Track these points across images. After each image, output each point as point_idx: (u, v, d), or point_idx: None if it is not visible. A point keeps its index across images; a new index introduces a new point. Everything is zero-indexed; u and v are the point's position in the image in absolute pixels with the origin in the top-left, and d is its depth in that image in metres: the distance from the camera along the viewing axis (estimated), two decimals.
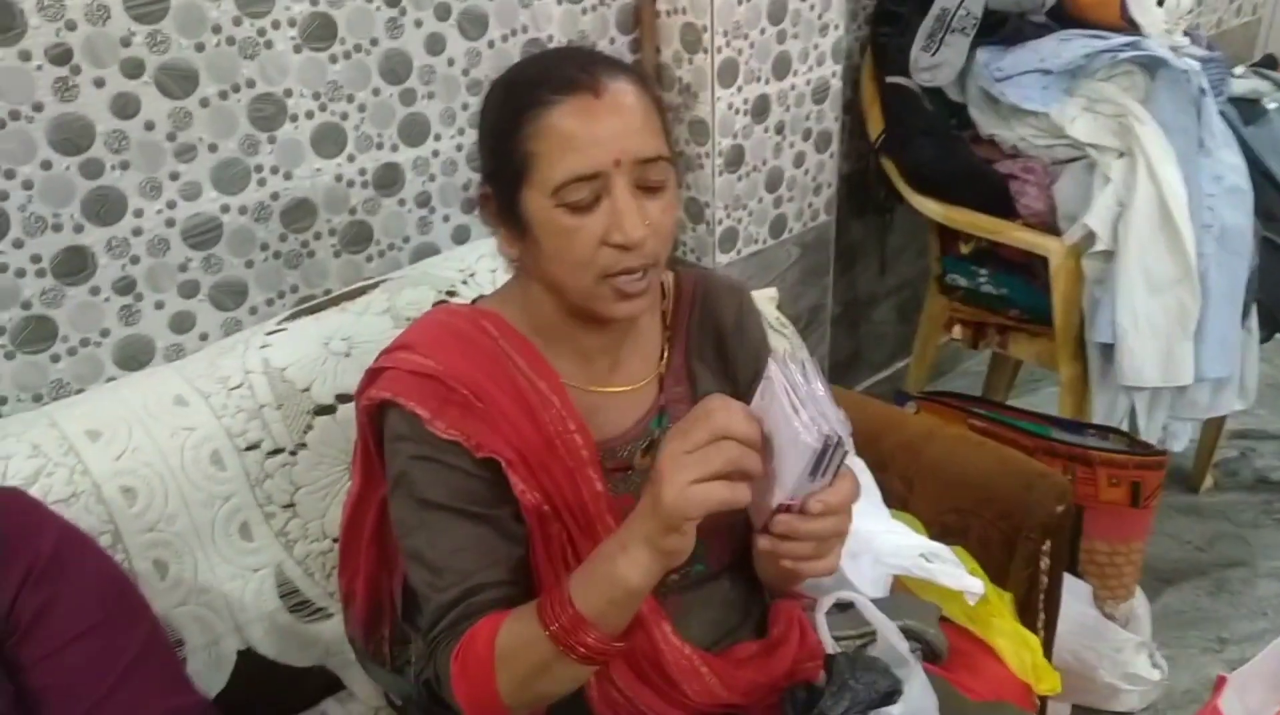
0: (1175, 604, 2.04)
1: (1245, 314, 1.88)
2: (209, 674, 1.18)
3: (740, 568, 1.08)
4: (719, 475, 0.77)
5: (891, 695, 0.95)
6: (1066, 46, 1.78)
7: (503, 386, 0.96)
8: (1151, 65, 1.76)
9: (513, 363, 0.97)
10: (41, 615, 0.86)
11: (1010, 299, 1.98)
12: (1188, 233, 1.68)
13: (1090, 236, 1.74)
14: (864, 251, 2.40)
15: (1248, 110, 1.96)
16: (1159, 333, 1.70)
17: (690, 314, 1.08)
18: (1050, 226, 1.82)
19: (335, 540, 1.21)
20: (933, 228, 2.05)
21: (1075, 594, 1.69)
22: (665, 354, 1.06)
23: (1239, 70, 2.06)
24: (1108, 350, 1.76)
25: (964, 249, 2.01)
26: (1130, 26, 1.82)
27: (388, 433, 0.97)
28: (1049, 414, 1.81)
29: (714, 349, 1.08)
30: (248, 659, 1.21)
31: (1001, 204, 1.86)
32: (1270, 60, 2.17)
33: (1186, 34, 1.90)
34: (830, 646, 1.04)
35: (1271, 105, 1.99)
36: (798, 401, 0.75)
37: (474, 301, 1.08)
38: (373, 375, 0.99)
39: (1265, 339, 2.03)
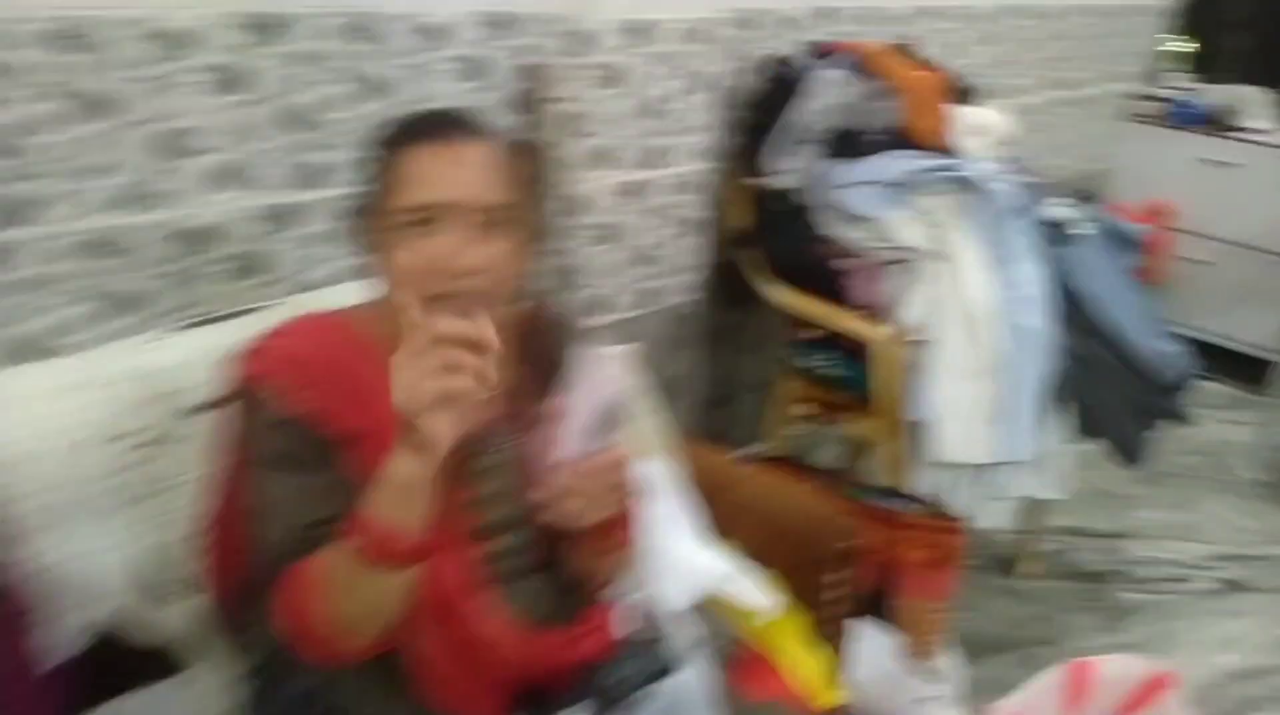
0: (987, 674, 2.20)
1: (1050, 413, 2.12)
2: (59, 646, 1.26)
3: (557, 568, 1.22)
4: (439, 373, 0.91)
5: (661, 674, 1.10)
6: (897, 163, 2.05)
7: (347, 380, 1.11)
8: (965, 184, 2.04)
9: (372, 365, 1.12)
10: None
11: (846, 381, 2.20)
12: (990, 330, 1.92)
13: (908, 327, 1.97)
14: (731, 337, 2.61)
15: (1056, 233, 2.24)
16: (961, 416, 1.93)
17: (529, 344, 1.22)
18: (877, 317, 2.05)
19: (187, 534, 1.32)
20: (786, 315, 2.27)
21: (884, 647, 1.86)
22: (504, 379, 1.21)
23: (1055, 200, 2.36)
24: (923, 428, 1.97)
25: (809, 335, 2.23)
26: (952, 151, 2.09)
27: (249, 404, 1.11)
28: (871, 483, 2.01)
29: (542, 374, 1.21)
30: (97, 636, 1.29)
31: (838, 295, 2.10)
32: (1086, 195, 2.48)
33: (1005, 163, 2.19)
34: (621, 634, 1.18)
35: (1079, 231, 2.29)
36: (593, 374, 0.93)
37: (333, 311, 1.24)
38: (247, 356, 1.13)
39: (1078, 440, 2.27)
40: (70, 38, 1.38)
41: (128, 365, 1.36)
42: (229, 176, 1.59)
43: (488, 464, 1.15)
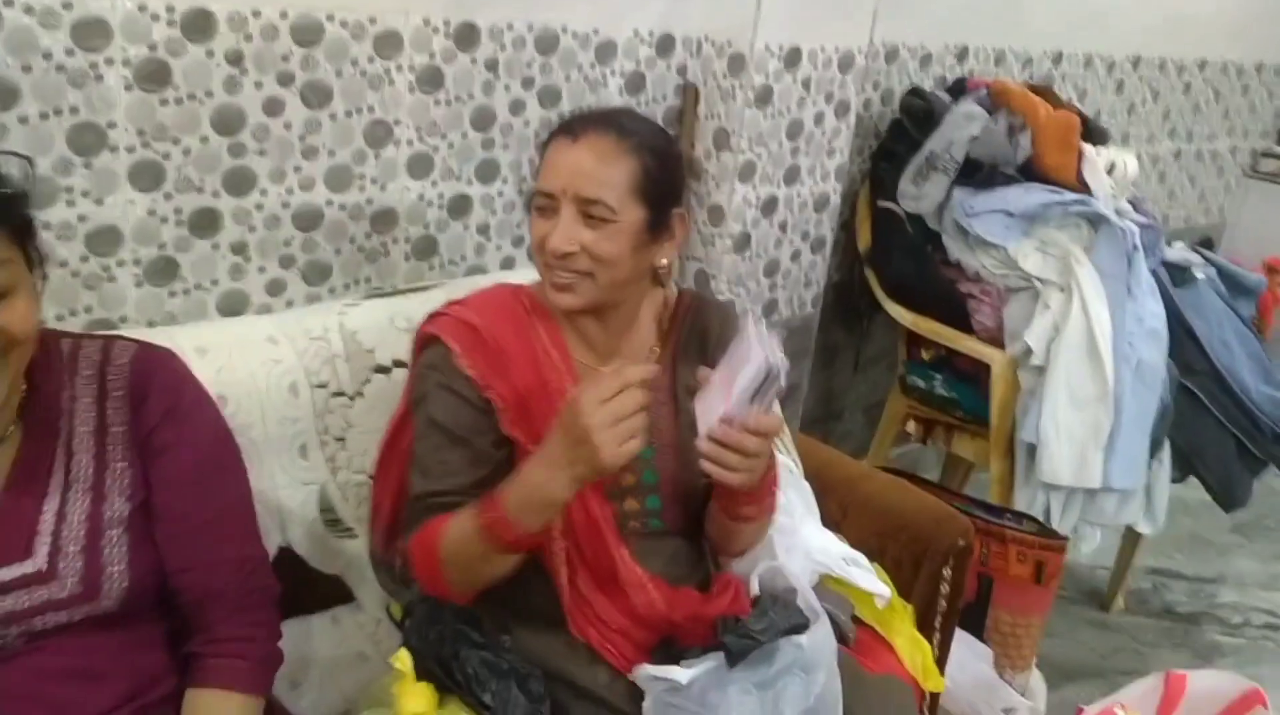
0: (1071, 697, 2.27)
1: (1157, 446, 2.19)
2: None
3: (692, 533, 1.36)
4: (634, 436, 1.06)
5: (800, 628, 1.22)
6: (1028, 196, 2.15)
7: (524, 347, 1.27)
8: (1095, 220, 2.12)
9: (535, 332, 1.29)
10: (170, 447, 1.12)
11: (958, 402, 2.29)
12: (1108, 360, 2.00)
13: (1027, 352, 2.06)
14: (841, 355, 2.72)
15: (1178, 274, 2.31)
16: (1075, 440, 2.01)
17: (682, 323, 1.38)
18: (997, 341, 2.15)
19: (371, 475, 1.48)
20: (902, 333, 2.38)
21: (978, 655, 1.95)
22: (655, 349, 1.36)
23: (1177, 244, 2.42)
24: (1032, 451, 2.06)
25: (925, 355, 2.33)
26: (1083, 187, 2.18)
27: (424, 361, 1.28)
28: (979, 499, 2.10)
29: (698, 353, 1.36)
30: (284, 556, 1.46)
31: (960, 318, 2.20)
32: (1207, 242, 2.54)
33: (1131, 202, 2.27)
34: (758, 593, 1.30)
35: (1199, 274, 2.35)
36: (759, 342, 1.06)
37: (521, 284, 1.39)
38: (432, 317, 1.30)
39: (1178, 478, 2.33)
40: (303, 32, 1.57)
41: (331, 322, 1.54)
42: (420, 166, 1.77)
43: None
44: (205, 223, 1.58)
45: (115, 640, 1.08)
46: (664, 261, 1.28)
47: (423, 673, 1.23)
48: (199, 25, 1.48)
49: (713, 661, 1.18)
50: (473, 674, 1.18)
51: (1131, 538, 2.50)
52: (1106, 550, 2.45)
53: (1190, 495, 2.37)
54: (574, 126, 1.23)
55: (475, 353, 1.25)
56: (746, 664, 1.18)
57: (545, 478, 1.11)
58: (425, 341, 1.30)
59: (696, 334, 1.38)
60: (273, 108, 1.58)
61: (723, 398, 1.08)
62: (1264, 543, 3.02)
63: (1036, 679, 2.10)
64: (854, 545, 1.61)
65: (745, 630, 1.18)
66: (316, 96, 1.62)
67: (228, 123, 1.55)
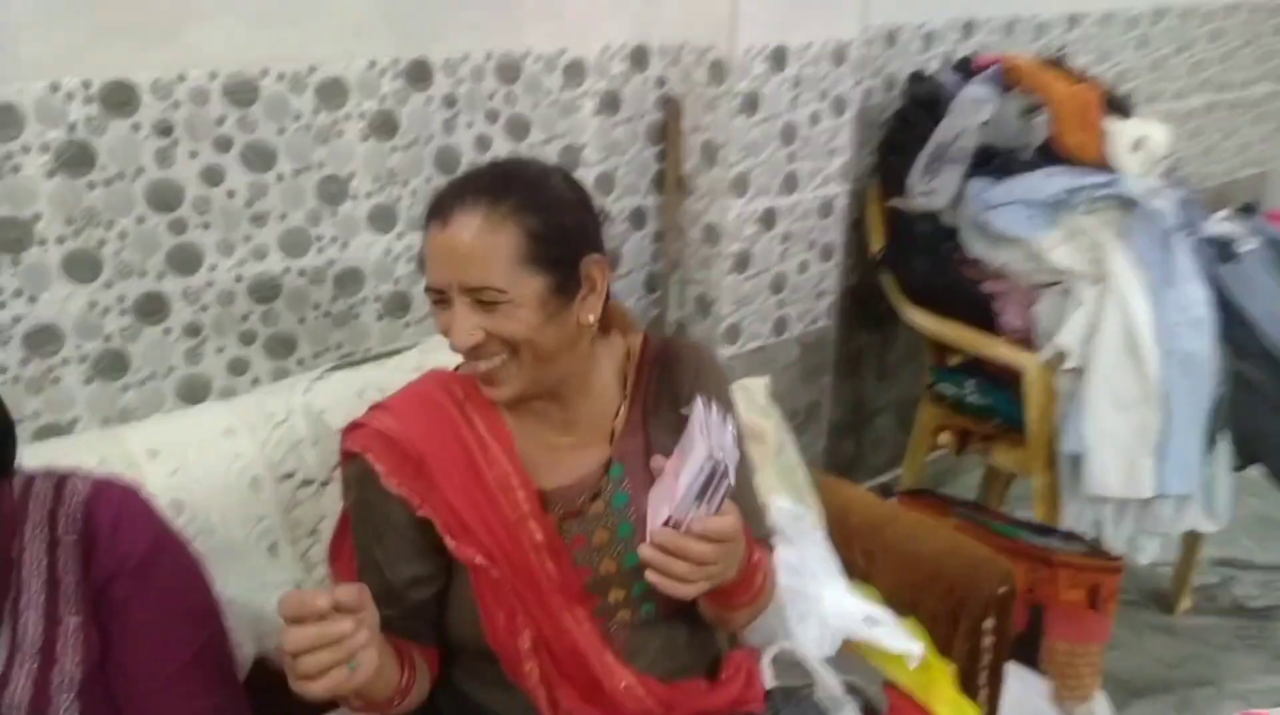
0: None
1: (1214, 439, 2.01)
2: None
3: (694, 614, 1.20)
4: (318, 675, 0.88)
5: None
6: (1050, 182, 1.97)
7: (453, 451, 1.13)
8: (1126, 203, 1.94)
9: (470, 426, 1.15)
10: (129, 599, 1.00)
11: (993, 409, 2.12)
12: (1151, 356, 1.83)
13: (1062, 355, 1.89)
14: (866, 360, 2.56)
15: (1223, 250, 2.12)
16: (1122, 447, 1.84)
17: (650, 375, 1.22)
18: (1029, 343, 1.98)
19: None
20: (927, 340, 2.21)
21: (1034, 690, 1.79)
22: (621, 410, 1.20)
23: (1219, 214, 2.23)
24: (1077, 461, 1.89)
25: (952, 361, 2.17)
26: (1110, 168, 2.00)
27: (348, 475, 1.17)
28: (1023, 519, 1.94)
29: (670, 406, 1.20)
30: (261, 667, 1.35)
31: (986, 320, 2.03)
32: (1249, 207, 2.34)
33: (1164, 177, 2.08)
34: (771, 685, 1.16)
35: (1246, 247, 2.16)
36: (707, 431, 0.91)
37: (459, 367, 1.23)
38: (353, 427, 1.17)
39: (1239, 467, 2.15)
40: (237, 92, 1.45)
41: (295, 403, 1.42)
42: (382, 219, 1.64)
43: (600, 511, 1.15)
44: (152, 308, 1.47)
45: None
46: (590, 318, 1.12)
47: None
48: (120, 98, 1.36)
49: None
50: None
51: (1195, 534, 2.32)
52: (1167, 545, 2.26)
53: (1253, 474, 2.18)
54: (442, 207, 1.08)
55: (403, 469, 1.12)
56: None
57: None
58: (347, 455, 1.17)
59: (668, 387, 1.21)
60: (212, 176, 1.46)
61: (669, 496, 0.95)
62: None
63: (1101, 705, 1.94)
64: (885, 598, 1.47)
65: None
66: (259, 159, 1.49)
67: (164, 198, 1.43)
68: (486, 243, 1.05)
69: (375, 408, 1.18)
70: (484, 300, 1.06)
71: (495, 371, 1.09)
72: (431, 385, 1.20)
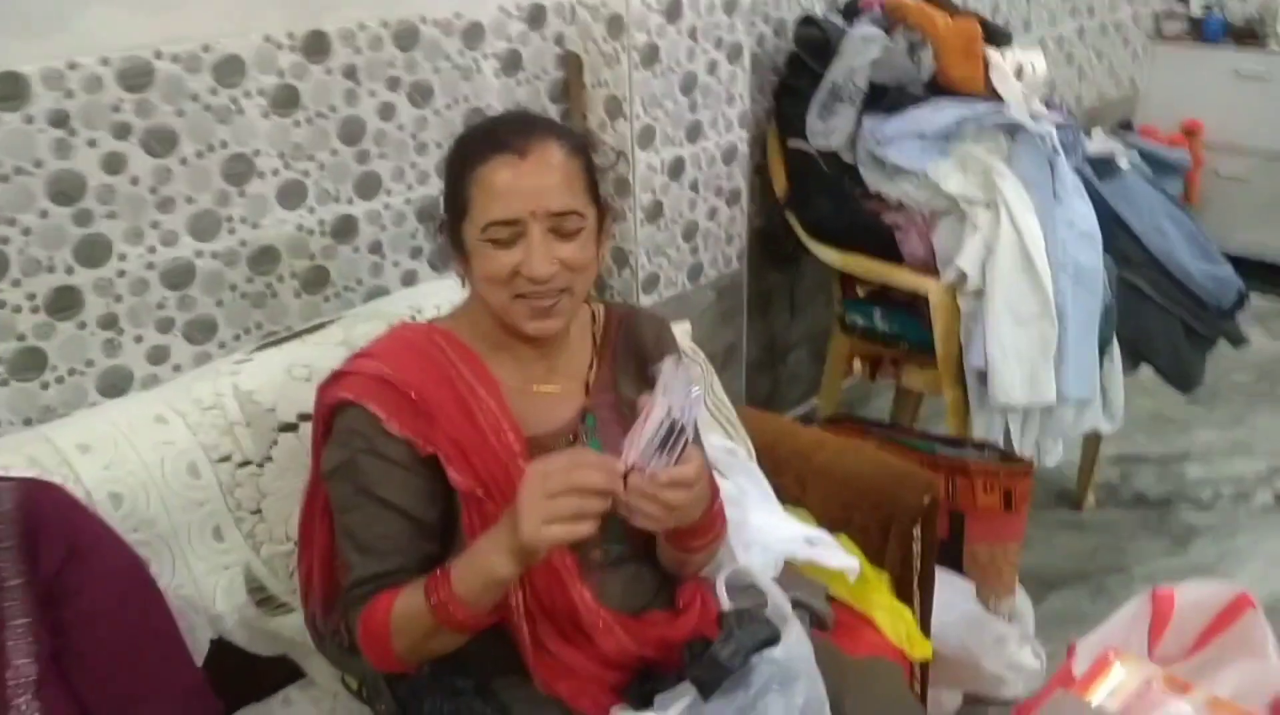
0: (1058, 606, 2.26)
1: (1106, 344, 2.14)
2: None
3: (652, 555, 1.27)
4: (565, 520, 0.98)
5: (772, 641, 1.14)
6: (940, 114, 2.05)
7: (446, 392, 1.16)
8: (1012, 129, 2.04)
9: (457, 372, 1.18)
10: (79, 587, 1.01)
11: (901, 335, 2.22)
12: (1045, 272, 1.94)
13: (963, 277, 1.99)
14: (777, 299, 2.64)
15: (1103, 168, 2.24)
16: (1024, 359, 1.95)
17: (617, 337, 1.29)
18: (931, 268, 2.07)
19: (297, 542, 1.38)
20: (834, 274, 2.29)
21: (961, 592, 1.91)
22: (594, 366, 1.27)
23: (1097, 133, 2.35)
24: (983, 375, 2.00)
25: (860, 292, 2.25)
26: (994, 96, 2.09)
27: (341, 426, 1.16)
28: (936, 433, 2.04)
29: (636, 364, 1.28)
30: (220, 647, 1.36)
31: (889, 250, 2.11)
32: (1126, 124, 2.48)
33: (1044, 102, 2.18)
34: (726, 606, 1.22)
35: (1124, 164, 2.29)
36: (664, 391, 0.98)
37: (430, 321, 1.28)
38: (338, 377, 1.18)
39: (1130, 370, 2.30)
40: (131, 76, 1.41)
41: (223, 386, 1.41)
42: (292, 194, 1.63)
43: None
44: (64, 303, 1.44)
45: None
46: (605, 258, 1.22)
47: None
48: (9, 91, 1.32)
49: (688, 697, 1.11)
50: None
51: (1094, 433, 2.47)
52: (1070, 446, 2.41)
53: (1144, 374, 2.33)
54: (513, 143, 1.12)
55: (402, 411, 1.13)
56: (722, 693, 1.11)
57: (490, 549, 1.04)
58: (338, 406, 1.17)
59: (633, 348, 1.29)
60: (113, 164, 1.43)
61: (635, 443, 1.00)
62: (1222, 410, 3.02)
63: (1021, 599, 2.08)
64: (818, 519, 1.55)
65: (713, 659, 1.10)
66: (160, 143, 1.47)
67: (66, 191, 1.40)
68: (569, 169, 1.12)
69: (358, 357, 1.19)
70: (564, 229, 1.12)
71: (554, 305, 1.14)
72: (411, 333, 1.22)
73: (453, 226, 1.17)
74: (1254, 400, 3.09)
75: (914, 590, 1.51)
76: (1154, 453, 2.84)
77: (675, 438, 0.99)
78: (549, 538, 0.98)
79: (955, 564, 1.94)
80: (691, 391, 0.99)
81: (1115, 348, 2.19)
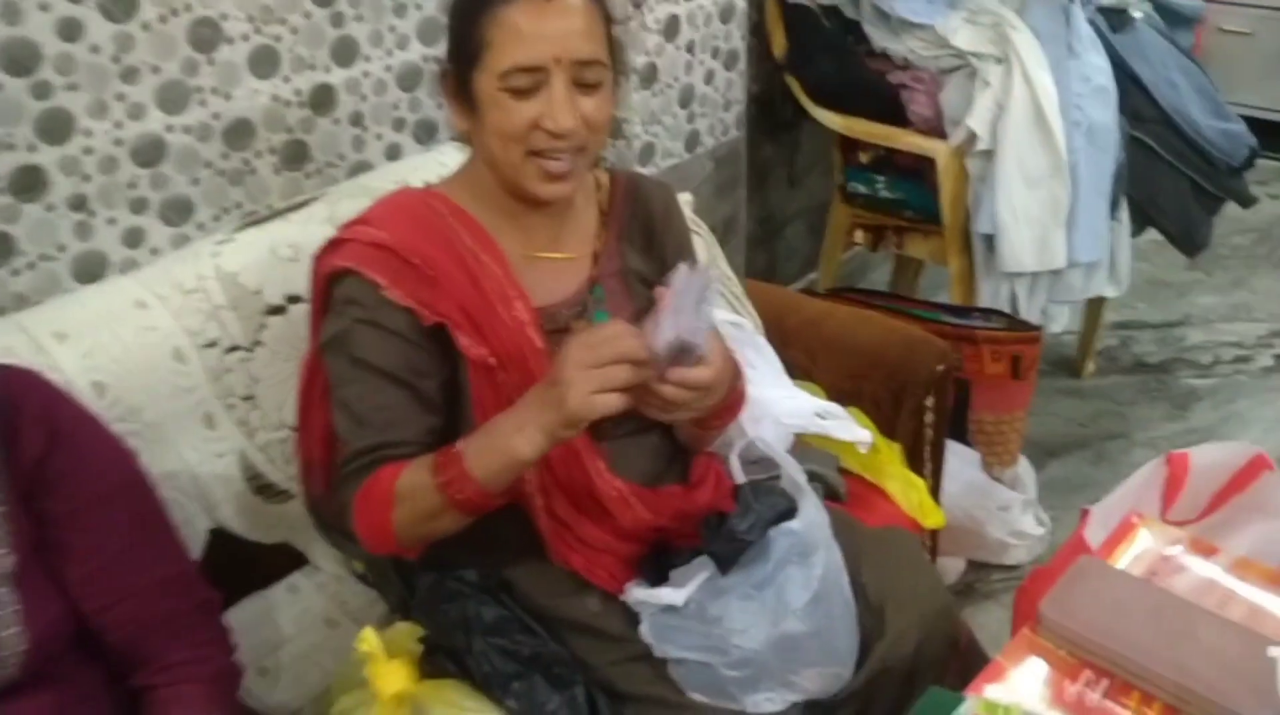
0: (1060, 473, 2.26)
1: (1115, 206, 2.08)
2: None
3: (668, 426, 1.23)
4: (616, 388, 0.93)
5: (789, 513, 1.12)
6: None
7: (450, 258, 1.09)
8: None
9: (458, 237, 1.11)
10: (65, 474, 0.96)
11: (905, 202, 2.15)
12: (1059, 130, 1.86)
13: (972, 138, 1.91)
14: (775, 169, 2.55)
15: (1115, 19, 2.14)
16: (1034, 223, 1.89)
17: (623, 205, 1.22)
18: (938, 131, 1.98)
19: (293, 428, 1.33)
20: (835, 140, 2.20)
21: (965, 460, 1.90)
22: (601, 235, 1.20)
23: None
24: (990, 241, 1.94)
25: (863, 158, 2.17)
26: None
27: (338, 296, 1.10)
28: (941, 302, 2.00)
29: (643, 235, 1.22)
30: (220, 537, 1.32)
31: (894, 113, 2.02)
32: None
33: None
34: (740, 480, 1.19)
35: (1137, 14, 2.18)
36: (672, 312, 0.94)
37: (427, 186, 1.20)
38: (334, 245, 1.11)
39: (1137, 232, 2.24)
40: None
41: (205, 268, 1.34)
42: (264, 62, 1.52)
43: (584, 328, 1.13)
44: (29, 183, 1.34)
45: (41, 705, 0.95)
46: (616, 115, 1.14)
47: (435, 668, 1.12)
48: None
49: (705, 571, 1.09)
50: (490, 671, 1.07)
51: (1096, 300, 2.44)
52: (1073, 312, 2.38)
53: (1142, 239, 2.28)
54: None
55: (403, 278, 1.07)
56: (740, 566, 1.09)
57: (513, 428, 0.98)
58: (335, 275, 1.11)
59: (639, 217, 1.23)
60: (69, 30, 1.32)
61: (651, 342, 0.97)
62: (1221, 274, 2.99)
63: (1024, 467, 2.07)
64: (828, 391, 1.52)
65: (731, 532, 1.08)
66: (119, 6, 1.35)
67: (20, 60, 1.29)
68: (592, 15, 1.04)
69: (354, 223, 1.12)
70: (586, 80, 1.04)
71: (570, 166, 1.07)
72: (409, 198, 1.15)
73: (460, 76, 1.08)
74: (1254, 263, 3.06)
75: (925, 460, 1.48)
76: (1153, 319, 2.81)
77: (685, 355, 0.96)
78: (600, 407, 0.93)
79: (960, 434, 1.92)
80: (702, 309, 0.95)
81: (1124, 209, 2.12)
